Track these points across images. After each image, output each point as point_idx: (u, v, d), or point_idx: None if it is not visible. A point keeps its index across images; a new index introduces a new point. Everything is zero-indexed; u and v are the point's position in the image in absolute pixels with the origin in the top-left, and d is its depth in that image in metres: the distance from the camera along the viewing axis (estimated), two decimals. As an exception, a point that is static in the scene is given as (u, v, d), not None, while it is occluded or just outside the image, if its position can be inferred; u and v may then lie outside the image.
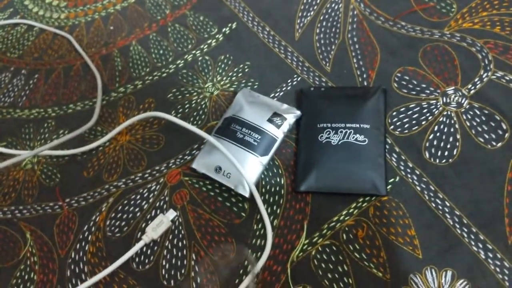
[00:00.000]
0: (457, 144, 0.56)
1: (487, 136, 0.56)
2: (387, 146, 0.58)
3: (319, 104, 0.60)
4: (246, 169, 0.57)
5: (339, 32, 0.69)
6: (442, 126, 0.58)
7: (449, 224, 0.52)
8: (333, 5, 0.73)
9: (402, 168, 0.56)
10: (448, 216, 0.52)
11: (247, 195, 0.56)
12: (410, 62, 0.63)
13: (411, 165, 0.56)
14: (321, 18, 0.72)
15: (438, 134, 0.57)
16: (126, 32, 0.79)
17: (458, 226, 0.51)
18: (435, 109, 0.59)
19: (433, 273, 0.50)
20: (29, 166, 0.67)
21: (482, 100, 0.58)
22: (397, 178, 0.56)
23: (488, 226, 0.51)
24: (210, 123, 0.64)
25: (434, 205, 0.53)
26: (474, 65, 0.61)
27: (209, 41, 0.74)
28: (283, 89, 0.65)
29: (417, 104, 0.60)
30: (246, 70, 0.68)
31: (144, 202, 0.59)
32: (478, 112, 0.58)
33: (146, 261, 0.55)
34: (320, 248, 0.53)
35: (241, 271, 0.53)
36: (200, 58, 0.72)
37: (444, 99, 0.59)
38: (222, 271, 0.53)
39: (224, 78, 0.68)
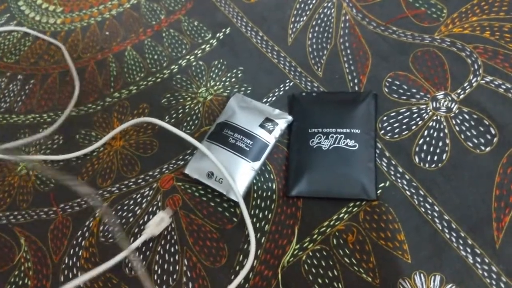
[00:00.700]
0: (447, 148, 0.57)
1: (476, 141, 0.56)
2: (378, 151, 0.58)
3: (311, 109, 0.61)
4: (238, 174, 0.57)
5: (331, 37, 0.70)
6: (431, 131, 0.58)
7: (438, 229, 0.52)
8: (325, 10, 0.73)
9: (392, 172, 0.57)
10: (437, 221, 0.53)
11: (238, 200, 0.57)
12: (401, 67, 0.64)
13: (401, 170, 0.57)
14: (314, 23, 0.72)
15: (427, 139, 0.58)
16: (121, 37, 0.79)
17: (446, 231, 0.52)
18: (425, 114, 0.60)
19: (422, 277, 0.50)
20: (24, 171, 0.67)
21: (471, 104, 0.59)
22: (387, 183, 0.56)
23: (476, 231, 0.51)
24: (203, 128, 0.65)
25: (423, 209, 0.54)
26: (463, 70, 0.62)
27: (203, 46, 0.74)
28: (276, 94, 0.66)
29: (407, 109, 0.61)
30: (239, 75, 0.69)
31: (137, 207, 0.60)
32: (467, 117, 0.58)
33: (139, 266, 0.56)
34: (310, 253, 0.54)
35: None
36: (194, 63, 0.72)
37: (434, 104, 0.60)
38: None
39: (218, 83, 0.69)
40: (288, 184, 0.57)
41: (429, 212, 0.54)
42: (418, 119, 0.60)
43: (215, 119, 0.65)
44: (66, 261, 0.58)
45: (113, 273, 0.56)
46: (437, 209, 0.53)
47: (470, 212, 0.52)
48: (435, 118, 0.59)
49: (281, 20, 0.74)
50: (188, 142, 0.61)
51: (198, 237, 0.57)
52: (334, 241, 0.54)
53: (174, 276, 0.55)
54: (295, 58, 0.69)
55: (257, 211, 0.57)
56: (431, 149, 0.57)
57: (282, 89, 0.66)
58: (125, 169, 0.64)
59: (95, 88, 0.74)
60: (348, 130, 0.58)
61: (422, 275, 0.50)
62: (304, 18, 0.73)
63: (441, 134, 0.58)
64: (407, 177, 0.56)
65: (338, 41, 0.69)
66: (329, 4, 0.74)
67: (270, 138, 0.59)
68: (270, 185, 0.59)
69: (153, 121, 0.64)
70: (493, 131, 0.56)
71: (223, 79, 0.69)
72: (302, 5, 0.75)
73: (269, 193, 0.58)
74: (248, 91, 0.67)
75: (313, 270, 0.53)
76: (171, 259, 0.56)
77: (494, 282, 0.49)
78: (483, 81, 0.60)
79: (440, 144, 0.57)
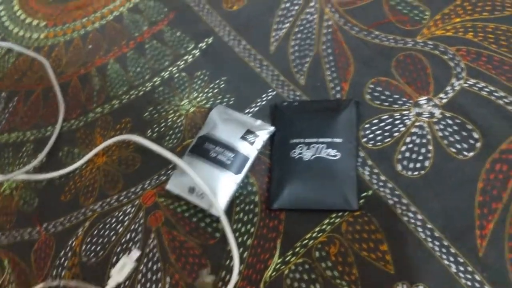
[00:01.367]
0: (429, 155, 0.56)
1: (459, 146, 0.55)
2: (360, 160, 0.57)
3: (292, 119, 0.60)
4: (220, 188, 0.57)
5: (314, 44, 0.69)
6: (414, 137, 0.57)
7: (421, 238, 0.51)
8: (307, 16, 0.73)
9: (375, 181, 0.56)
10: (420, 230, 0.52)
11: (219, 216, 0.56)
12: (383, 72, 0.63)
13: (383, 178, 0.56)
14: (296, 30, 0.71)
15: (410, 145, 0.57)
16: (104, 50, 0.79)
17: (430, 240, 0.51)
18: (407, 120, 0.59)
19: (406, 288, 0.50)
20: (8, 191, 0.67)
21: (454, 109, 0.58)
22: (370, 192, 0.55)
23: (460, 239, 0.50)
24: (186, 142, 0.64)
25: (406, 218, 0.53)
26: (446, 73, 0.61)
27: (185, 57, 0.74)
28: (258, 104, 0.65)
29: (389, 115, 0.60)
30: (222, 85, 0.68)
31: (119, 225, 0.60)
32: (450, 122, 0.57)
33: (121, 286, 0.56)
34: (293, 267, 0.53)
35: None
36: (176, 75, 0.72)
37: (417, 109, 0.59)
38: None
39: (201, 95, 0.68)
40: (270, 197, 0.57)
41: (412, 220, 0.53)
42: (400, 125, 0.59)
43: (197, 131, 0.64)
44: (50, 283, 0.58)
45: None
46: (420, 217, 0.53)
47: (453, 220, 0.51)
48: (417, 124, 0.58)
49: (263, 27, 0.73)
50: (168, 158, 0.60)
51: (180, 254, 0.56)
52: (317, 253, 0.53)
53: (157, 295, 0.54)
54: (277, 66, 0.68)
55: (239, 225, 0.56)
56: (414, 156, 0.56)
57: (264, 98, 0.65)
58: (107, 186, 0.63)
59: (78, 103, 0.74)
60: (330, 140, 0.57)
61: (405, 286, 0.50)
62: (287, 25, 0.73)
63: (424, 141, 0.57)
64: (390, 185, 0.55)
65: (320, 48, 0.68)
66: (312, 10, 0.73)
67: (251, 150, 0.59)
68: (252, 198, 0.58)
69: (132, 138, 0.63)
70: (476, 136, 0.56)
71: (206, 90, 0.69)
72: (285, 12, 0.74)
73: (251, 206, 0.57)
74: (231, 102, 0.66)
75: (296, 284, 0.52)
76: (154, 277, 0.55)
77: (478, 292, 0.48)
78: (466, 84, 0.59)
79: (423, 150, 0.56)
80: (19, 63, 0.83)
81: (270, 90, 0.66)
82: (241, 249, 0.55)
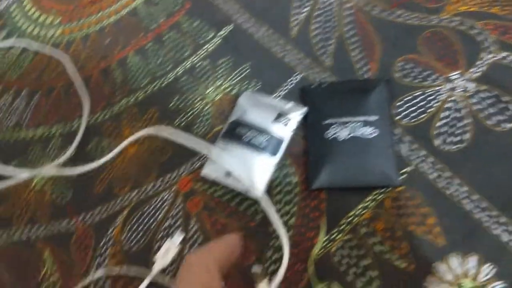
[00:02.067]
0: (467, 128, 0.56)
1: (496, 118, 0.56)
2: (396, 136, 0.57)
3: (322, 100, 0.60)
4: (256, 171, 0.56)
5: (336, 26, 0.69)
6: (449, 112, 0.57)
7: (469, 209, 0.52)
8: (327, -1, 0.73)
9: (414, 157, 0.56)
10: (467, 201, 0.52)
11: (259, 198, 0.56)
12: (410, 50, 0.63)
13: (422, 153, 0.56)
14: (316, 13, 0.71)
15: (446, 120, 0.57)
16: (122, 44, 0.79)
17: (477, 210, 0.51)
18: (440, 96, 0.59)
19: (457, 259, 0.50)
20: (39, 187, 0.66)
21: (487, 82, 0.58)
22: (410, 168, 0.55)
23: (507, 208, 0.50)
24: (216, 129, 0.64)
25: (450, 191, 0.53)
26: (475, 48, 0.61)
27: (206, 46, 0.73)
28: (285, 88, 0.65)
29: (422, 92, 0.60)
30: (247, 71, 0.68)
31: (158, 212, 0.59)
32: (484, 95, 0.57)
33: (167, 271, 0.55)
34: (340, 244, 0.53)
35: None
36: (198, 64, 0.72)
37: (449, 85, 0.59)
38: None
39: (225, 82, 0.68)
40: (309, 177, 0.56)
41: (457, 193, 0.53)
42: (434, 101, 0.59)
43: (226, 118, 0.64)
44: (93, 271, 0.57)
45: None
46: (465, 189, 0.53)
47: (500, 190, 0.52)
48: (451, 99, 0.58)
49: (283, 12, 0.73)
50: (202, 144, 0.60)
51: (223, 238, 0.56)
52: (363, 230, 0.53)
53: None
54: (301, 50, 0.68)
55: (280, 206, 0.56)
56: (451, 130, 0.56)
57: (291, 82, 0.65)
58: (141, 174, 0.63)
59: (101, 96, 0.73)
60: (364, 118, 0.57)
61: (457, 257, 0.50)
62: (307, 8, 0.73)
63: (460, 115, 0.57)
64: (430, 160, 0.55)
65: (343, 30, 0.68)
66: (331, -7, 0.73)
67: (285, 132, 0.58)
68: (291, 179, 0.58)
69: (161, 133, 0.63)
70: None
71: (230, 77, 0.68)
72: (304, -3, 0.74)
73: (290, 188, 0.57)
74: (258, 87, 0.66)
75: (345, 261, 0.52)
76: (198, 263, 0.55)
77: (529, 258, 0.48)
78: (497, 58, 0.59)
79: (460, 124, 0.56)
80: (36, 61, 0.82)
81: (295, 74, 0.66)
82: (285, 229, 0.55)
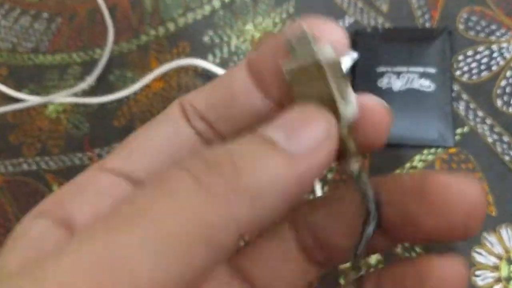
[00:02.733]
0: (534, 91, 0.50)
1: None
2: (454, 93, 0.52)
3: (378, 46, 0.54)
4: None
5: (392, -30, 0.62)
6: (515, 72, 0.52)
7: (527, 179, 0.47)
8: None
9: (471, 117, 0.50)
10: (525, 170, 0.47)
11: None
12: (477, 1, 0.57)
13: (481, 114, 0.50)
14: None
15: (511, 80, 0.51)
16: (154, -29, 0.72)
17: (537, 181, 0.46)
18: (507, 53, 0.53)
19: (509, 231, 0.45)
20: (54, 114, 0.61)
21: (562, 42, 0.52)
22: (466, 129, 0.50)
23: None
24: (253, 69, 0.58)
25: (508, 158, 0.48)
26: (551, 4, 0.55)
27: (246, -19, 0.67)
28: (333, 31, 0.59)
29: (486, 47, 0.54)
30: (290, 10, 0.62)
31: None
32: (557, 56, 0.51)
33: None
34: (381, 204, 0.48)
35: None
36: (237, -1, 0.65)
37: (517, 42, 0.53)
38: None
39: (266, 20, 0.62)
40: (354, 129, 0.51)
41: (515, 161, 0.48)
42: (499, 58, 0.53)
43: (265, 58, 0.58)
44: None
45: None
46: (524, 157, 0.47)
47: None
48: (519, 57, 0.52)
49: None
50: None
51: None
52: (408, 191, 0.48)
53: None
54: (352, -7, 0.62)
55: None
56: (516, 91, 0.51)
57: (341, 25, 0.59)
58: (167, 112, 0.58)
59: (128, 26, 0.67)
60: (422, 69, 0.51)
61: (509, 228, 0.45)
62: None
63: (527, 75, 0.51)
64: (489, 122, 0.50)
65: (401, -26, 0.62)
66: None
67: (332, 77, 0.53)
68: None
69: (197, 63, 0.58)
70: None
71: (272, 14, 0.62)
72: None
73: (331, 139, 0.52)
74: (301, 29, 0.60)
75: (385, 223, 0.47)
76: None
77: None
78: None
79: (527, 86, 0.51)
80: (59, -18, 0.76)
81: (346, 17, 0.60)
82: (322, 184, 0.50)
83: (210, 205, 0.14)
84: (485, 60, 0.53)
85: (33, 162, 0.59)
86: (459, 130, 0.50)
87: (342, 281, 0.46)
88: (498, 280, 0.44)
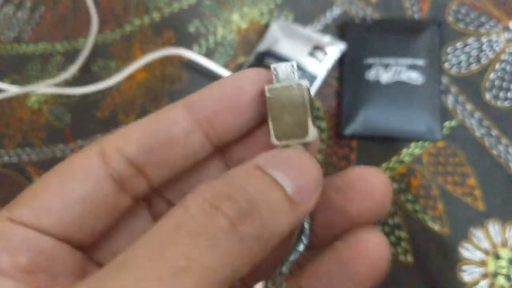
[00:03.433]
0: (524, 84, 0.49)
1: (558, 76, 0.49)
2: (442, 86, 0.51)
3: (366, 37, 0.53)
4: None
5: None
6: (504, 65, 0.51)
7: (515, 173, 0.46)
8: None
9: (460, 110, 0.50)
10: (513, 165, 0.46)
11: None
12: (467, -8, 0.56)
13: (469, 108, 0.50)
14: None
15: (500, 73, 0.51)
16: (140, -41, 0.70)
17: (525, 176, 0.45)
18: (496, 46, 0.52)
19: (496, 226, 0.44)
20: (36, 105, 0.60)
21: (551, 35, 0.51)
22: (454, 122, 0.49)
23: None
24: (239, 59, 0.57)
25: (496, 152, 0.47)
26: (541, -4, 0.54)
27: (233, -30, 0.65)
28: (321, 22, 0.58)
29: (475, 39, 0.53)
30: (278, 1, 0.61)
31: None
32: (547, 49, 0.51)
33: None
34: (367, 198, 0.47)
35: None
36: (224, -11, 0.64)
37: (507, 34, 0.52)
38: None
39: (253, 10, 0.61)
40: (341, 123, 0.50)
41: (503, 154, 0.47)
42: (488, 51, 0.52)
43: (252, 49, 0.57)
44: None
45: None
46: (512, 151, 0.47)
47: (554, 155, 0.46)
48: (508, 50, 0.51)
49: None
50: (221, 75, 0.54)
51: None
52: (395, 185, 0.47)
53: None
54: (341, -17, 0.60)
55: (304, 151, 0.50)
56: (505, 84, 0.50)
57: (329, 16, 0.58)
58: (150, 103, 0.57)
59: (112, 15, 0.66)
60: (411, 61, 0.50)
61: (496, 223, 0.44)
62: None
63: (517, 68, 0.50)
64: (477, 116, 0.49)
65: (391, -36, 0.60)
66: None
67: (320, 69, 0.52)
68: (319, 123, 0.52)
69: (181, 53, 0.56)
70: None
71: (259, 5, 0.61)
72: None
73: (318, 133, 0.51)
74: (289, 19, 0.59)
75: (371, 217, 0.46)
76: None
77: None
78: None
79: (516, 79, 0.50)
80: (42, -31, 0.74)
81: (335, 7, 0.58)
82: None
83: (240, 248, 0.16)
84: (474, 52, 0.52)
85: (14, 154, 0.57)
86: (447, 124, 0.49)
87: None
88: (485, 275, 0.43)
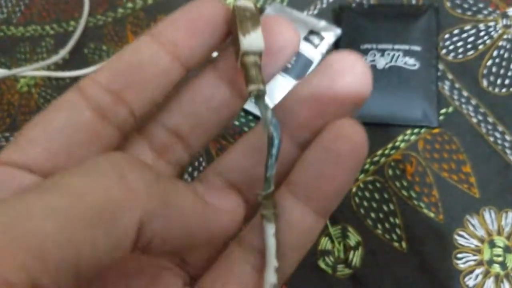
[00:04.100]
0: (521, 71, 0.49)
1: (555, 63, 0.49)
2: (439, 73, 0.50)
3: (362, 22, 0.52)
4: (278, 94, 0.49)
5: None
6: (502, 51, 0.50)
7: (510, 160, 0.45)
8: None
9: (456, 97, 0.49)
10: (509, 152, 0.46)
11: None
12: (465, -22, 0.55)
13: (466, 94, 0.49)
14: None
15: (497, 60, 0.50)
16: None
17: (521, 163, 0.45)
18: (494, 32, 0.51)
19: (492, 214, 0.44)
20: (25, 88, 0.59)
21: (550, 22, 0.51)
22: (450, 109, 0.49)
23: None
24: (233, 44, 0.56)
25: (492, 139, 0.47)
26: (540, -18, 0.53)
27: (228, -46, 0.64)
28: (317, 6, 0.57)
29: (473, 26, 0.52)
30: (273, -15, 0.60)
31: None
32: (545, 36, 0.50)
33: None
34: (361, 185, 0.47)
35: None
36: (218, -28, 0.63)
37: (504, 21, 0.52)
38: None
39: (248, -6, 0.59)
40: (336, 108, 0.50)
41: (499, 142, 0.47)
42: (486, 37, 0.51)
43: (246, 34, 0.56)
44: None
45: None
46: (508, 138, 0.46)
47: (551, 143, 0.45)
48: (506, 37, 0.51)
49: None
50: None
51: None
52: (390, 171, 0.47)
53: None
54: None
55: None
56: (502, 71, 0.49)
57: (324, 0, 0.57)
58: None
59: (104, -2, 0.64)
60: (407, 47, 0.50)
61: (492, 211, 0.44)
62: None
63: (514, 55, 0.50)
64: (474, 103, 0.49)
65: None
66: None
67: (315, 53, 0.51)
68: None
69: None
70: None
71: (254, -11, 0.60)
72: None
73: (312, 117, 0.50)
74: (284, 3, 0.58)
75: (366, 204, 0.46)
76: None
77: None
78: None
79: (513, 66, 0.49)
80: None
81: (330, -7, 0.57)
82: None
83: (123, 188, 0.15)
84: (471, 39, 0.52)
85: (2, 138, 0.56)
86: (443, 110, 0.49)
87: (321, 264, 0.44)
88: (480, 263, 0.43)
